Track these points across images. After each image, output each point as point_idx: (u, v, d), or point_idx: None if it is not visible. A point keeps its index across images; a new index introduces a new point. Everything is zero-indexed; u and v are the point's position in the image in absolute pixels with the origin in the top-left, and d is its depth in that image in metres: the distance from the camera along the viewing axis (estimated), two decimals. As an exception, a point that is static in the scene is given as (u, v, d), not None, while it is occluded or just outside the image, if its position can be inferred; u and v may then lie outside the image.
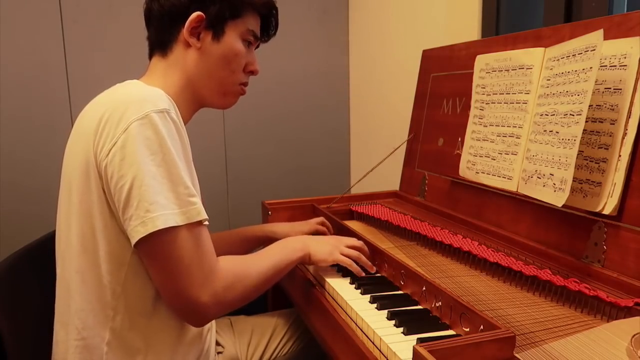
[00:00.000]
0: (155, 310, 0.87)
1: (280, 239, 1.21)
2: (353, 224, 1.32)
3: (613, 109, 0.85)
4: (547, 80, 0.97)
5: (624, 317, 0.73)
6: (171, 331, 0.90)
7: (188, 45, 0.94)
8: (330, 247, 1.02)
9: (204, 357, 0.98)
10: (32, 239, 1.05)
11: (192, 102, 0.98)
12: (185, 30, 0.93)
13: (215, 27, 0.94)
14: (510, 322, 0.76)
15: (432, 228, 1.15)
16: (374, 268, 1.03)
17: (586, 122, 0.85)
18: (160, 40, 0.96)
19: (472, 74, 1.19)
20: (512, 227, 1.05)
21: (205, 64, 0.95)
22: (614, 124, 0.84)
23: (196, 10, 0.92)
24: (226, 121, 2.20)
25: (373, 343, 0.77)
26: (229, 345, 1.13)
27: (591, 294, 0.78)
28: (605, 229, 0.85)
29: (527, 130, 1.02)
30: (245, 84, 1.02)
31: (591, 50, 0.84)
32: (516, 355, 0.64)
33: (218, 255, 0.86)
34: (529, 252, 0.97)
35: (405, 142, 1.51)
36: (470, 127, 1.18)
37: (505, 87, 1.08)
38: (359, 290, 0.94)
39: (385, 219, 1.25)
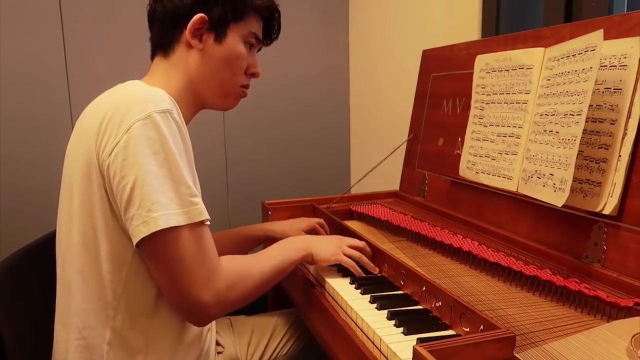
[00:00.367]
0: (156, 310, 0.87)
1: (278, 237, 1.21)
2: (353, 224, 1.32)
3: (613, 109, 0.85)
4: (547, 80, 0.97)
5: (624, 317, 0.73)
6: (172, 331, 0.90)
7: (190, 46, 0.94)
8: (333, 247, 1.02)
9: (204, 357, 0.98)
10: (32, 239, 1.05)
11: (193, 103, 0.99)
12: (187, 32, 0.93)
13: (218, 29, 0.95)
14: (510, 322, 0.76)
15: (432, 228, 1.15)
16: (377, 269, 1.03)
17: (586, 122, 0.85)
18: (163, 41, 0.96)
19: (472, 74, 1.19)
20: (512, 227, 1.05)
21: (207, 66, 0.96)
22: (614, 124, 0.84)
23: (199, 12, 0.93)
24: (226, 121, 2.20)
25: (373, 343, 0.77)
26: (229, 345, 1.13)
27: (591, 294, 0.78)
28: (605, 229, 0.85)
29: (527, 130, 1.02)
30: (246, 87, 1.03)
31: (591, 50, 0.84)
32: (516, 355, 0.64)
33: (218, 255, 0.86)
34: (529, 252, 0.97)
35: (405, 142, 1.51)
36: (470, 127, 1.18)
37: (505, 87, 1.08)
38: (359, 290, 0.94)
39: (385, 219, 1.25)
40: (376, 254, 1.04)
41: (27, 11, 1.88)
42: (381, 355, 0.75)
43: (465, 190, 1.22)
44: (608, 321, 0.75)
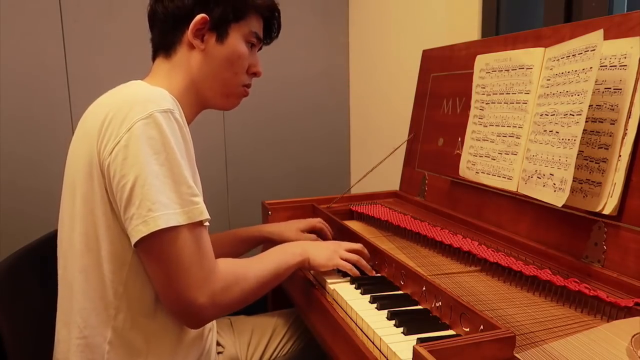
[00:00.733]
0: (156, 311, 0.87)
1: (275, 239, 1.21)
2: (353, 224, 1.32)
3: (613, 109, 0.85)
4: (547, 80, 0.97)
5: (624, 317, 0.73)
6: (172, 331, 0.90)
7: (192, 47, 0.95)
8: (329, 252, 1.02)
9: (205, 358, 0.98)
10: (32, 239, 1.05)
11: (196, 103, 0.99)
12: (189, 32, 0.93)
13: (219, 29, 0.95)
14: (510, 322, 0.76)
15: (432, 228, 1.15)
16: (373, 272, 1.02)
17: (586, 122, 0.85)
18: (164, 42, 0.97)
19: (472, 74, 1.19)
20: (512, 227, 1.05)
21: (209, 66, 0.96)
22: (614, 124, 0.84)
23: (200, 13, 0.93)
24: (226, 121, 2.20)
25: (373, 343, 0.77)
26: (229, 345, 1.13)
27: (591, 294, 0.78)
28: (605, 229, 0.85)
29: (527, 130, 1.02)
30: (248, 86, 1.03)
31: (591, 50, 0.84)
32: (516, 355, 0.64)
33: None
34: (529, 252, 0.97)
35: (405, 142, 1.51)
36: (470, 127, 1.18)
37: (505, 87, 1.08)
38: (359, 290, 0.94)
39: (385, 219, 1.25)
40: (376, 254, 1.04)
41: (27, 11, 1.88)
42: (381, 355, 0.75)
43: (465, 190, 1.22)
44: (608, 321, 0.75)
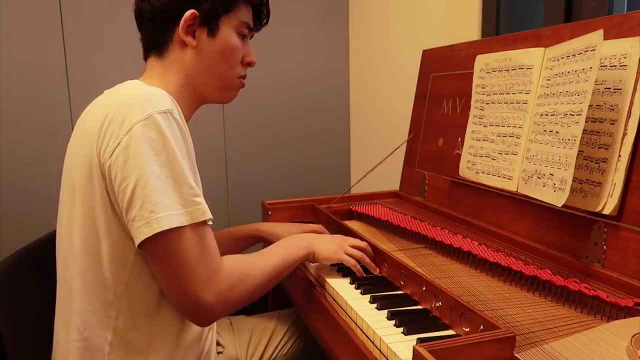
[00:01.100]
0: (158, 311, 0.87)
1: (265, 237, 1.21)
2: (353, 224, 1.32)
3: (613, 109, 0.85)
4: (547, 80, 0.97)
5: (624, 317, 0.73)
6: (173, 331, 0.90)
7: (184, 44, 0.94)
8: (335, 247, 1.02)
9: (205, 358, 0.98)
10: (32, 239, 1.05)
11: (193, 100, 0.98)
12: (180, 30, 0.92)
13: (210, 23, 0.94)
14: (510, 322, 0.76)
15: (432, 228, 1.15)
16: (377, 269, 1.03)
17: (586, 122, 0.85)
18: (155, 41, 0.96)
19: (472, 74, 1.19)
20: (512, 227, 1.05)
21: (204, 62, 0.95)
22: (614, 124, 0.84)
23: (189, 9, 0.92)
24: (226, 121, 2.20)
25: (373, 343, 0.77)
26: (229, 345, 1.13)
27: (591, 294, 0.78)
28: (605, 229, 0.85)
29: (527, 130, 1.02)
30: (243, 77, 1.02)
31: (591, 50, 0.84)
32: (516, 355, 0.64)
33: None
34: (529, 252, 0.97)
35: (405, 142, 1.51)
36: (470, 127, 1.18)
37: (505, 87, 1.08)
38: (359, 290, 0.94)
39: (385, 219, 1.25)
40: (376, 254, 1.04)
41: (27, 11, 1.88)
42: (381, 355, 0.75)
43: (465, 190, 1.22)
44: (608, 321, 0.75)
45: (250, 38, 1.04)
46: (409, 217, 1.25)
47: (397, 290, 0.94)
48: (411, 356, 0.62)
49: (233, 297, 0.85)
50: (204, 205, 0.82)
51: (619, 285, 0.80)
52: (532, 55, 1.02)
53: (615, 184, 0.83)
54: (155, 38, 0.96)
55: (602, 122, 0.86)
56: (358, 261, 1.01)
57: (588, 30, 0.86)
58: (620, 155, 0.83)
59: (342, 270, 1.04)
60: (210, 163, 2.18)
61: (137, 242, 0.79)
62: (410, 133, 1.49)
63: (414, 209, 1.37)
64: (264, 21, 1.06)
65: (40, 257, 0.99)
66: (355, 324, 0.85)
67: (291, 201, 1.44)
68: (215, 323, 1.06)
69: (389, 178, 1.62)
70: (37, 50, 1.90)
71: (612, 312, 0.76)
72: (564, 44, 0.93)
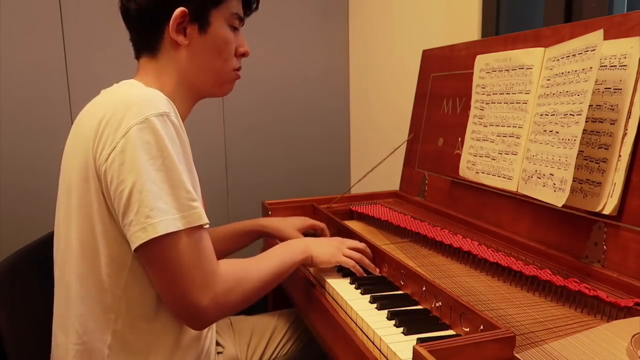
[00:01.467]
0: (156, 313, 0.87)
1: (269, 232, 1.21)
2: (353, 224, 1.32)
3: (613, 109, 0.85)
4: (547, 80, 0.97)
5: (624, 317, 0.73)
6: (172, 333, 0.89)
7: (176, 44, 0.92)
8: (332, 249, 1.02)
9: (204, 358, 0.98)
10: (32, 239, 1.05)
11: (190, 97, 0.98)
12: (171, 30, 0.90)
13: (200, 19, 0.92)
14: (510, 322, 0.76)
15: (432, 228, 1.15)
16: (377, 270, 1.02)
17: (586, 122, 0.85)
18: (145, 42, 0.94)
19: (472, 74, 1.19)
20: (512, 227, 1.05)
21: (198, 59, 0.94)
22: (614, 124, 0.84)
23: (177, 6, 0.90)
24: (226, 121, 2.20)
25: (373, 343, 0.77)
26: (229, 345, 1.12)
27: (591, 294, 0.78)
28: (605, 229, 0.85)
29: (527, 130, 1.02)
30: (239, 69, 1.01)
31: (591, 50, 0.84)
32: (516, 355, 0.64)
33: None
34: (529, 252, 0.97)
35: (405, 142, 1.51)
36: (470, 127, 1.18)
37: (505, 87, 1.08)
38: (359, 290, 0.94)
39: (385, 219, 1.25)
40: (376, 254, 1.04)
41: (27, 11, 1.88)
42: (381, 355, 0.75)
43: (465, 190, 1.22)
44: (608, 321, 0.75)
45: (242, 26, 1.02)
46: (409, 217, 1.25)
47: (397, 290, 0.94)
48: (411, 356, 0.62)
49: (229, 301, 0.84)
50: (201, 210, 0.81)
51: (619, 285, 0.80)
52: (532, 55, 1.02)
53: (615, 184, 0.83)
54: (146, 39, 0.94)
55: (602, 122, 0.86)
56: (358, 263, 1.01)
57: (588, 30, 0.86)
58: (620, 155, 0.83)
59: (342, 270, 1.04)
60: (210, 163, 2.18)
61: (133, 246, 0.78)
62: (410, 133, 1.49)
63: (414, 209, 1.37)
64: (254, 7, 1.03)
65: (40, 258, 0.99)
66: (355, 324, 0.85)
67: (291, 201, 1.44)
68: (215, 323, 1.06)
69: (389, 178, 1.62)
70: (37, 50, 1.90)
71: (612, 312, 0.76)
72: (564, 44, 0.93)
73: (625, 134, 0.83)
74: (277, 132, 2.30)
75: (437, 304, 0.82)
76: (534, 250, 0.97)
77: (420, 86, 1.48)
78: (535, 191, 0.94)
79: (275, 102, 2.27)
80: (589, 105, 0.84)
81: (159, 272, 0.81)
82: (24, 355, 0.90)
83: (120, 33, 0.98)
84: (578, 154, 0.85)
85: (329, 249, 1.02)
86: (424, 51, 1.48)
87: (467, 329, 0.74)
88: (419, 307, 0.87)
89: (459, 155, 1.20)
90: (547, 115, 0.94)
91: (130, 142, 0.77)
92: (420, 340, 0.73)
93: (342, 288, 0.96)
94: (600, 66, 0.87)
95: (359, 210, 1.38)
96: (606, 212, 0.83)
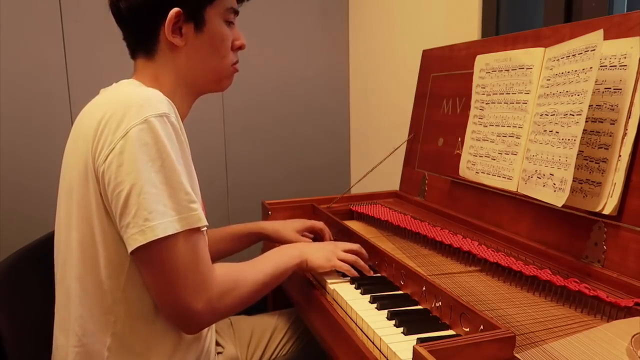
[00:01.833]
0: (156, 314, 0.86)
1: (269, 235, 1.20)
2: (353, 224, 1.32)
3: (613, 109, 0.85)
4: (547, 80, 0.97)
5: (624, 317, 0.73)
6: (172, 334, 0.89)
7: (173, 45, 0.91)
8: (327, 253, 1.01)
9: (205, 358, 0.98)
10: (32, 239, 1.05)
11: (189, 96, 0.97)
12: (166, 31, 0.89)
13: (196, 17, 0.91)
14: (510, 322, 0.76)
15: (432, 228, 1.15)
16: (371, 272, 1.02)
17: (586, 122, 0.85)
18: (140, 42, 0.93)
19: (472, 74, 1.19)
20: (512, 227, 1.05)
21: (196, 59, 0.93)
22: (614, 124, 0.84)
23: (171, 7, 0.88)
24: (226, 121, 2.20)
25: (373, 343, 0.77)
26: (229, 345, 1.12)
27: (591, 294, 0.78)
28: (605, 229, 0.85)
29: (527, 130, 1.02)
30: (236, 62, 1.00)
31: (591, 50, 0.84)
32: (516, 355, 0.64)
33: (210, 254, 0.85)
34: (529, 252, 0.97)
35: (405, 142, 1.51)
36: (470, 127, 1.18)
37: (505, 87, 1.08)
38: (359, 290, 0.94)
39: (385, 219, 1.25)
40: (376, 254, 1.04)
41: (27, 11, 1.88)
42: (381, 355, 0.75)
43: (465, 190, 1.22)
44: (608, 321, 0.75)
45: (236, 17, 1.00)
46: (409, 217, 1.25)
47: (397, 290, 0.94)
48: (411, 356, 0.62)
49: (223, 305, 0.84)
50: (200, 212, 0.81)
51: (619, 285, 0.80)
52: (532, 55, 1.02)
53: (615, 184, 0.83)
54: (140, 39, 0.93)
55: (602, 122, 0.86)
56: (353, 265, 1.01)
57: (588, 30, 0.86)
58: (620, 155, 0.83)
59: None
60: (210, 163, 2.18)
61: (130, 249, 0.78)
62: (410, 133, 1.49)
63: (414, 209, 1.37)
64: None
65: (40, 257, 0.99)
66: (355, 324, 0.85)
67: (291, 201, 1.44)
68: (215, 323, 1.06)
69: (389, 178, 1.62)
70: (37, 50, 1.90)
71: (612, 312, 0.76)
72: (564, 44, 0.93)
73: (625, 134, 0.83)
74: (277, 132, 2.30)
75: (437, 304, 0.82)
76: (534, 250, 0.97)
77: (420, 86, 1.48)
78: (535, 191, 0.94)
79: (275, 101, 2.27)
80: (589, 105, 0.84)
81: (154, 274, 0.80)
82: (23, 355, 0.90)
83: (120, 33, 0.97)
84: (578, 154, 0.85)
85: (324, 252, 1.02)
86: (424, 51, 1.48)
87: (467, 329, 0.74)
88: (419, 307, 0.87)
89: (459, 155, 1.20)
90: (547, 115, 0.94)
91: (129, 144, 0.77)
92: (420, 340, 0.73)
93: (342, 288, 0.96)
94: (600, 66, 0.87)
95: (359, 210, 1.38)
96: (606, 212, 0.83)
